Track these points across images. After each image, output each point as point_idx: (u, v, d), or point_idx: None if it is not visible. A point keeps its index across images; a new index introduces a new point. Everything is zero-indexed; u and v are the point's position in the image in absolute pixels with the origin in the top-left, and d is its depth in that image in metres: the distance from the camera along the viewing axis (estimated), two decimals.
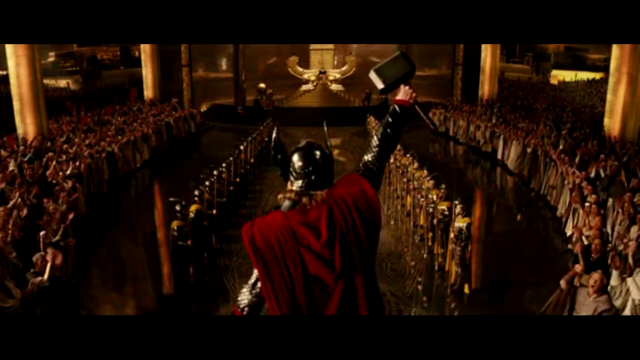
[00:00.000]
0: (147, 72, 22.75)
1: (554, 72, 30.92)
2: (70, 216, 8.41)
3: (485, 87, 22.43)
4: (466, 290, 8.20)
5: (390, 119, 2.69)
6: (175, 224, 8.10)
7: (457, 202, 8.15)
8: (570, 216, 9.56)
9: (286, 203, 2.50)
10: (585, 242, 7.68)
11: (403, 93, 2.71)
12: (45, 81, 24.22)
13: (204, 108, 24.90)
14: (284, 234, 2.41)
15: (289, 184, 2.56)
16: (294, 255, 2.41)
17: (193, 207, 8.72)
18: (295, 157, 2.53)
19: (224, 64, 26.95)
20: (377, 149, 2.66)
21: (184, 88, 24.37)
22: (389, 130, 2.67)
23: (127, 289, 8.88)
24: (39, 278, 5.98)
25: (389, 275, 8.84)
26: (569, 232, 9.39)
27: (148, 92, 22.78)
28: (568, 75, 29.42)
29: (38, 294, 5.88)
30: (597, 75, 28.07)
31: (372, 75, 2.77)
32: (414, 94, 2.71)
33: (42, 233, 7.18)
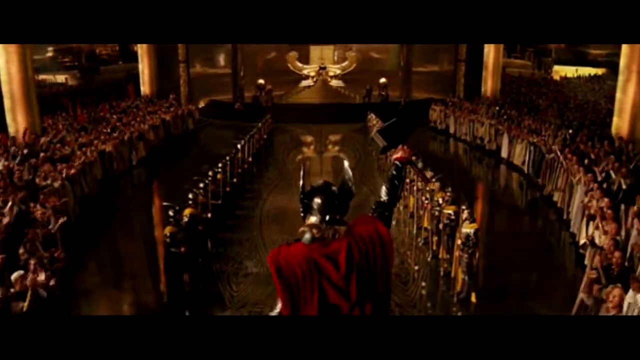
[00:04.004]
0: (144, 68, 22.41)
1: (555, 67, 30.53)
2: (61, 220, 8.00)
3: (489, 84, 22.06)
4: (473, 299, 7.84)
5: (394, 173, 3.08)
6: (168, 230, 7.68)
7: (464, 207, 7.76)
8: (584, 222, 9.12)
9: (307, 236, 2.74)
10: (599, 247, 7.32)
11: (402, 152, 3.09)
12: (43, 76, 24.15)
13: (201, 104, 24.48)
14: (308, 263, 2.68)
15: (307, 219, 2.81)
16: (313, 284, 2.69)
17: (187, 211, 8.34)
18: (316, 197, 2.82)
19: (222, 59, 26.49)
20: (386, 197, 3.03)
21: (181, 84, 23.96)
22: (395, 181, 3.06)
23: (120, 295, 8.53)
24: (20, 305, 5.58)
25: (393, 282, 8.45)
26: (582, 240, 8.97)
27: (145, 88, 22.44)
28: (569, 71, 29.01)
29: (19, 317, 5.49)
30: (599, 71, 27.62)
31: (375, 136, 3.17)
32: (411, 152, 3.14)
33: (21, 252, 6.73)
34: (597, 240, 7.60)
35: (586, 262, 8.81)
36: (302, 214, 2.84)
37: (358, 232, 2.75)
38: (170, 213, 7.80)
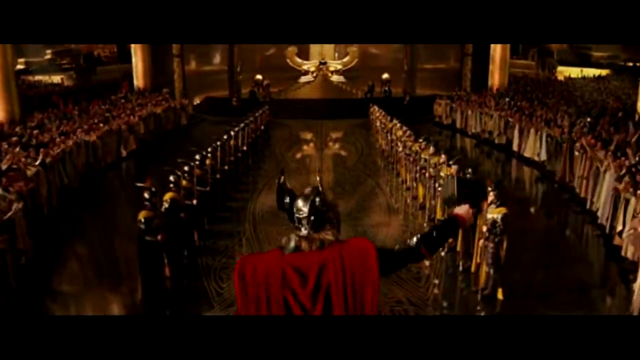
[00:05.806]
0: (138, 61, 21.67)
1: (559, 68, 29.77)
2: (18, 206, 6.93)
3: (496, 77, 21.33)
4: (500, 295, 6.74)
5: (442, 225, 2.77)
6: (142, 215, 6.51)
7: (490, 188, 6.65)
8: (619, 208, 8.08)
9: (291, 245, 2.52)
10: None
11: (466, 212, 2.71)
12: (39, 77, 23.99)
13: (197, 101, 23.64)
14: (274, 273, 2.43)
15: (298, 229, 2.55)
16: (277, 296, 2.43)
17: (167, 196, 7.26)
18: (297, 202, 2.58)
19: (218, 55, 25.58)
20: (415, 241, 2.59)
21: (176, 79, 23.09)
22: (435, 232, 2.65)
23: (95, 293, 7.45)
24: None
25: (405, 278, 7.37)
26: (619, 226, 7.95)
27: (139, 82, 21.67)
28: (573, 72, 28.25)
29: None
30: (603, 72, 26.92)
31: (451, 182, 3.12)
32: (472, 218, 2.81)
33: None
34: None
35: (623, 253, 7.84)
36: (291, 222, 2.59)
37: (341, 255, 2.42)
38: (146, 195, 6.67)
